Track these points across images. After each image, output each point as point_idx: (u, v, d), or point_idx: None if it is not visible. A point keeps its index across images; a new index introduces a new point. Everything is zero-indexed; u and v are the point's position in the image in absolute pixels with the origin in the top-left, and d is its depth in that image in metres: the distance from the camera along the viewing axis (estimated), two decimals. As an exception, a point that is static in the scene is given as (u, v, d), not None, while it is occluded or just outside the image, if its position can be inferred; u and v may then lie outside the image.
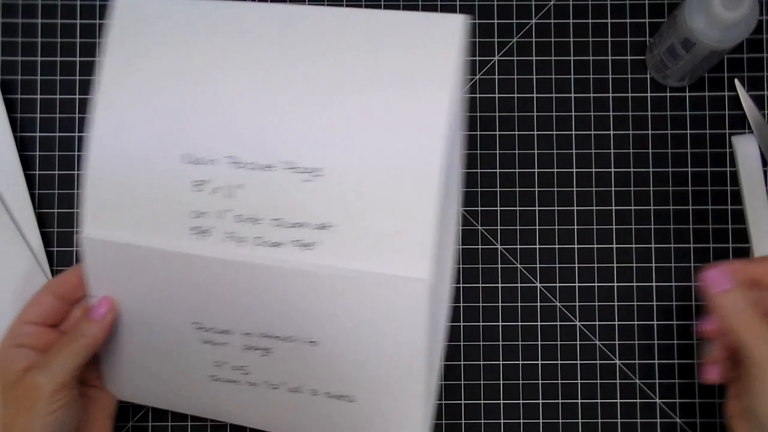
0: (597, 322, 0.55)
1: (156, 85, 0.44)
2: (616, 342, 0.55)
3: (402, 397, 0.46)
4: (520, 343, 0.55)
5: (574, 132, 0.56)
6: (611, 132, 0.56)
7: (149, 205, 0.45)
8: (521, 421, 0.54)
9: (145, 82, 0.45)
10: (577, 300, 0.55)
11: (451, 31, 0.42)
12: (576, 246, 0.56)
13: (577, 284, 0.55)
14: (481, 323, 0.55)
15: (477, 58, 0.57)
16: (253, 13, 0.44)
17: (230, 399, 0.49)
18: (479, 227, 0.56)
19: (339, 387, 0.47)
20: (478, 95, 0.57)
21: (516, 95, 0.57)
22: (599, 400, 0.55)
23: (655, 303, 0.55)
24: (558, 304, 0.55)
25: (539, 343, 0.55)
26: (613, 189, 0.56)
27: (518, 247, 0.55)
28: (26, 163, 0.56)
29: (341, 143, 0.43)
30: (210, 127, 0.44)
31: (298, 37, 0.44)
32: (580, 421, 0.54)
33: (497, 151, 0.56)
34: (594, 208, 0.56)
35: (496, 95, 0.57)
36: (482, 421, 0.54)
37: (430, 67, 0.42)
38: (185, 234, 0.44)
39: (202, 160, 0.44)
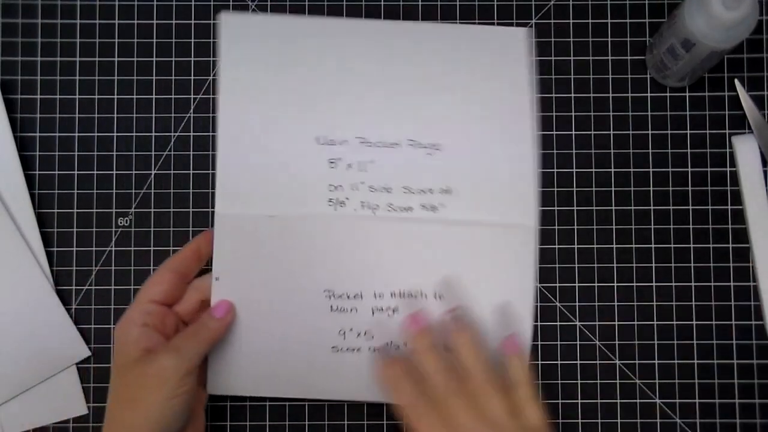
0: (597, 322, 0.55)
1: (281, 79, 0.53)
2: (616, 342, 0.55)
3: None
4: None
5: (574, 132, 0.56)
6: (611, 132, 0.56)
7: (289, 182, 0.53)
8: (521, 421, 0.54)
9: (266, 78, 0.53)
10: (577, 300, 0.55)
11: (517, 42, 0.54)
12: (576, 246, 0.56)
13: (577, 284, 0.55)
14: (481, 323, 0.55)
15: (477, 58, 0.57)
16: (362, 24, 0.55)
17: (348, 369, 0.52)
18: (479, 227, 0.56)
19: None
20: (478, 95, 0.57)
21: (516, 95, 0.57)
22: (599, 400, 0.55)
23: (655, 303, 0.55)
24: (558, 304, 0.55)
25: (539, 343, 0.55)
26: (613, 189, 0.56)
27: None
28: (26, 163, 0.56)
29: (451, 125, 0.54)
30: (339, 114, 0.53)
31: (401, 44, 0.54)
32: (580, 421, 0.54)
33: (497, 151, 0.56)
34: (594, 208, 0.56)
35: (496, 95, 0.57)
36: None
37: (509, 69, 0.54)
38: (324, 205, 0.53)
39: (336, 141, 0.53)
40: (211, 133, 0.56)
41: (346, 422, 0.54)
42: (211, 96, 0.56)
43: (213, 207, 0.54)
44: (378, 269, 0.53)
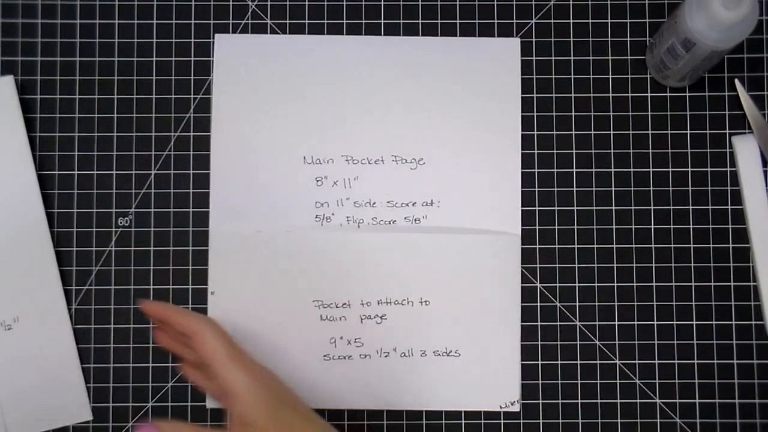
0: (597, 322, 0.55)
1: (272, 100, 0.55)
2: (616, 342, 0.55)
3: (500, 348, 0.54)
4: (520, 343, 0.55)
5: (574, 132, 0.56)
6: (611, 132, 0.56)
7: (277, 200, 0.55)
8: (521, 421, 0.54)
9: (255, 101, 0.55)
10: (577, 300, 0.55)
11: (511, 52, 0.56)
12: (576, 246, 0.56)
13: (577, 284, 0.55)
14: (481, 323, 0.55)
15: (477, 58, 0.57)
16: (350, 41, 0.56)
17: (340, 378, 0.54)
18: (479, 227, 0.56)
19: (447, 343, 0.54)
20: (478, 95, 0.57)
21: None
22: (599, 400, 0.55)
23: (655, 303, 0.55)
24: (558, 304, 0.55)
25: (539, 343, 0.55)
26: (613, 189, 0.56)
27: (520, 247, 0.55)
28: (26, 163, 0.56)
29: (435, 139, 0.55)
30: (326, 134, 0.55)
31: (389, 60, 0.56)
32: (580, 421, 0.54)
33: (497, 151, 0.56)
34: (594, 208, 0.56)
35: (496, 95, 0.57)
36: (482, 422, 0.54)
37: (498, 80, 0.56)
38: (311, 220, 0.55)
39: (322, 160, 0.55)
40: (210, 133, 0.56)
41: (345, 422, 0.54)
42: (211, 96, 0.56)
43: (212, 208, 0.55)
44: (364, 278, 0.55)
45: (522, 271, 0.55)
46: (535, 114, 0.56)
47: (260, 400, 0.44)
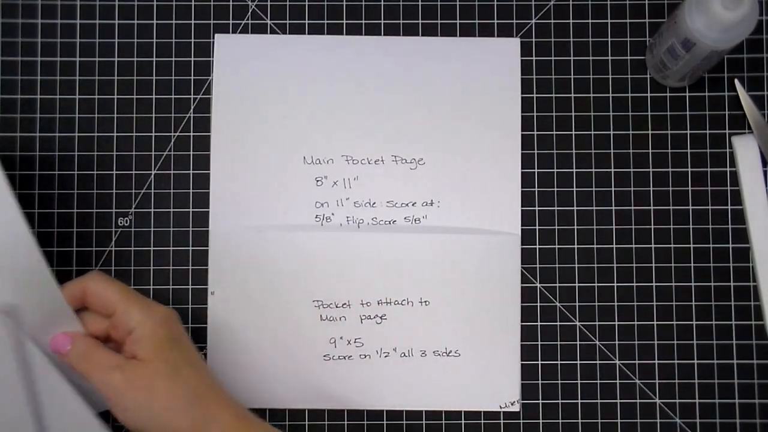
0: (597, 322, 0.55)
1: (272, 100, 0.56)
2: (616, 342, 0.55)
3: (500, 348, 0.54)
4: (520, 343, 0.55)
5: (574, 132, 0.56)
6: (611, 132, 0.56)
7: (277, 200, 0.55)
8: (521, 421, 0.54)
9: (255, 101, 0.56)
10: (577, 300, 0.55)
11: (511, 52, 0.56)
12: (576, 246, 0.56)
13: (577, 284, 0.55)
14: (481, 323, 0.55)
15: (477, 58, 0.57)
16: (350, 41, 0.56)
17: (340, 378, 0.54)
18: (479, 227, 0.56)
19: (447, 343, 0.54)
20: (478, 95, 0.57)
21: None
22: (599, 400, 0.55)
23: (655, 303, 0.55)
24: (558, 304, 0.55)
25: (539, 343, 0.55)
26: (613, 189, 0.56)
27: (520, 247, 0.55)
28: (26, 163, 0.56)
29: (435, 139, 0.55)
30: (326, 134, 0.55)
31: (390, 60, 0.56)
32: (580, 421, 0.54)
33: (497, 151, 0.56)
34: (594, 208, 0.56)
35: (496, 95, 0.57)
36: (482, 422, 0.54)
37: (499, 81, 0.56)
38: (311, 221, 0.55)
39: (322, 160, 0.55)
40: (210, 133, 0.56)
41: (345, 422, 0.54)
42: (211, 96, 0.56)
43: (212, 208, 0.55)
44: (364, 278, 0.55)
45: (522, 271, 0.55)
46: (535, 114, 0.56)
47: (151, 337, 0.46)
